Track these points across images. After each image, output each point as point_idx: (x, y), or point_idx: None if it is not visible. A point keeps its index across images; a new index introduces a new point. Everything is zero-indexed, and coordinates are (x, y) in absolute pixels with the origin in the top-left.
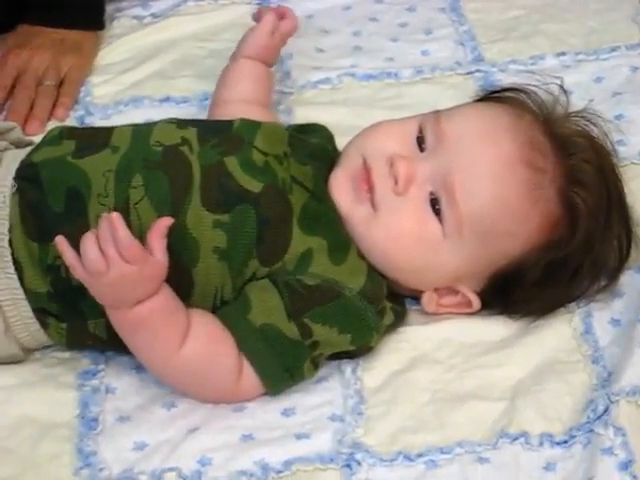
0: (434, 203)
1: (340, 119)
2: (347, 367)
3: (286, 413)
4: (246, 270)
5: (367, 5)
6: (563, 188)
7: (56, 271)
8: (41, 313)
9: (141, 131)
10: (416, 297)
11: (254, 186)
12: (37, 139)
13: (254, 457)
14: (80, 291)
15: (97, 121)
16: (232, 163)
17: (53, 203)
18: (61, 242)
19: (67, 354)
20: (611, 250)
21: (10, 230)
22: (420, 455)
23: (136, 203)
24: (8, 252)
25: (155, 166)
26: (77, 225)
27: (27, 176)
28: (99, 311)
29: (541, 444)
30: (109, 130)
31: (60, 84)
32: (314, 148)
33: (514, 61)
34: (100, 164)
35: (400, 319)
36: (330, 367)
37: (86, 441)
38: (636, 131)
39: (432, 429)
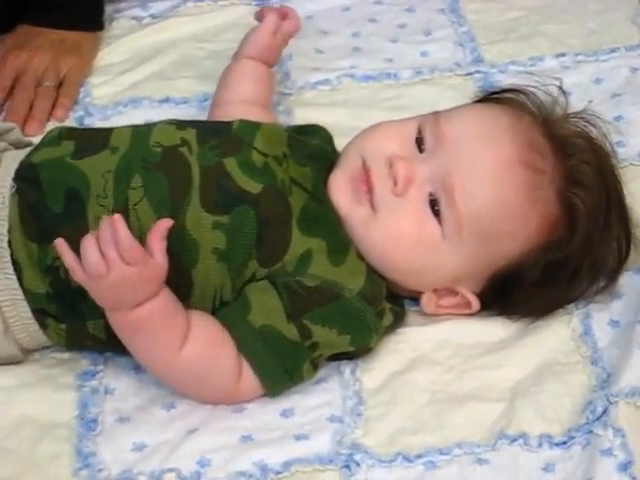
0: (433, 204)
1: (339, 120)
2: (346, 368)
3: (285, 414)
4: (245, 271)
5: (366, 6)
6: (562, 189)
7: (55, 272)
8: (40, 314)
9: (140, 132)
10: (415, 298)
11: (253, 187)
12: (36, 140)
13: (253, 458)
14: (79, 292)
15: (96, 122)
16: (231, 164)
17: (52, 204)
18: (61, 245)
19: (66, 355)
20: (610, 251)
21: (9, 231)
22: (419, 456)
23: (135, 204)
24: (7, 253)
25: (154, 167)
26: (76, 226)
27: (26, 177)
28: (98, 312)
29: (540, 445)
30: (108, 131)
31: (59, 85)
32: (313, 149)
33: (513, 62)
34: (99, 165)
35: (399, 320)
36: (329, 368)
37: (85, 442)
38: (635, 132)
39: (431, 430)
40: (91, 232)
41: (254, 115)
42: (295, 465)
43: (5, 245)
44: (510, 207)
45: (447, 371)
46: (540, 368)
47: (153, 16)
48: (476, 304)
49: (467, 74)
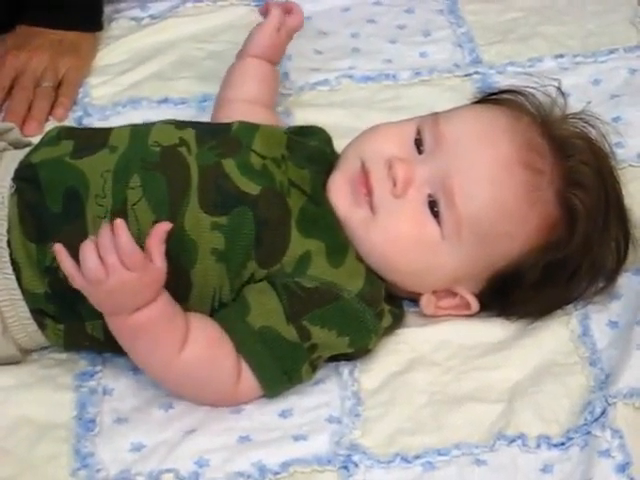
0: (432, 205)
1: (338, 121)
2: (344, 369)
3: (283, 415)
4: (244, 272)
5: (365, 7)
6: (561, 190)
7: (54, 272)
8: (39, 314)
9: (139, 131)
10: (414, 299)
11: (252, 188)
12: (36, 140)
13: (251, 458)
14: (78, 293)
15: (95, 122)
16: (230, 165)
17: (51, 204)
18: (60, 251)
19: (64, 355)
20: (609, 252)
21: (9, 231)
22: (417, 457)
23: (134, 204)
24: (6, 253)
25: (153, 167)
26: (75, 226)
27: (26, 177)
28: (96, 313)
29: (538, 446)
30: (107, 131)
31: (58, 85)
32: (312, 151)
33: (512, 63)
34: (98, 164)
35: (398, 321)
36: (328, 369)
37: (83, 442)
38: (634, 133)
39: (429, 431)
40: (90, 237)
41: (257, 115)
42: (293, 466)
43: (4, 245)
44: (509, 208)
45: (446, 372)
46: (539, 369)
47: (152, 17)
48: (475, 305)
49: (466, 75)
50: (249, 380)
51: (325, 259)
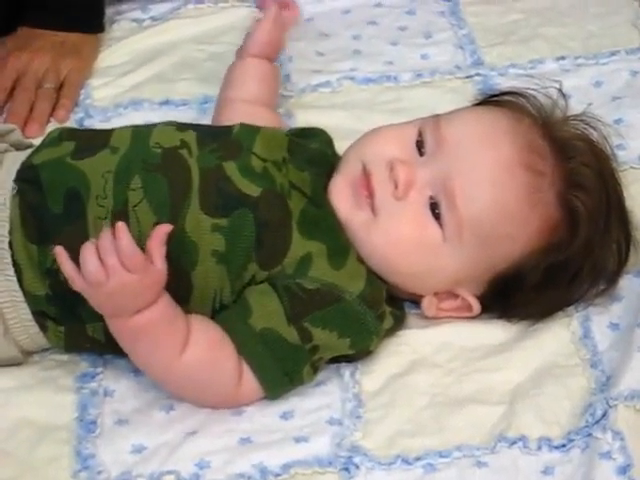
0: (434, 207)
1: (340, 123)
2: (346, 371)
3: (285, 416)
4: (245, 274)
5: (367, 9)
6: (562, 191)
7: (55, 274)
8: (40, 316)
9: (141, 132)
10: (416, 301)
11: (253, 190)
12: (37, 141)
13: (253, 460)
14: (78, 295)
15: (97, 124)
16: (231, 168)
17: (52, 205)
18: (60, 254)
19: (65, 357)
20: (610, 254)
21: (10, 232)
22: (418, 459)
23: (135, 205)
24: (8, 254)
25: (154, 168)
26: (75, 227)
27: (27, 178)
28: (97, 315)
29: (539, 448)
30: (109, 131)
31: (60, 87)
32: (313, 154)
33: (513, 65)
34: (99, 165)
35: (399, 323)
36: (329, 371)
37: (84, 444)
38: (635, 135)
39: (430, 433)
40: (90, 240)
41: (258, 115)
42: (294, 467)
43: (6, 246)
44: (510, 210)
45: (447, 374)
46: (540, 371)
47: (153, 18)
48: (477, 307)
49: (467, 77)
50: (250, 382)
51: (326, 261)
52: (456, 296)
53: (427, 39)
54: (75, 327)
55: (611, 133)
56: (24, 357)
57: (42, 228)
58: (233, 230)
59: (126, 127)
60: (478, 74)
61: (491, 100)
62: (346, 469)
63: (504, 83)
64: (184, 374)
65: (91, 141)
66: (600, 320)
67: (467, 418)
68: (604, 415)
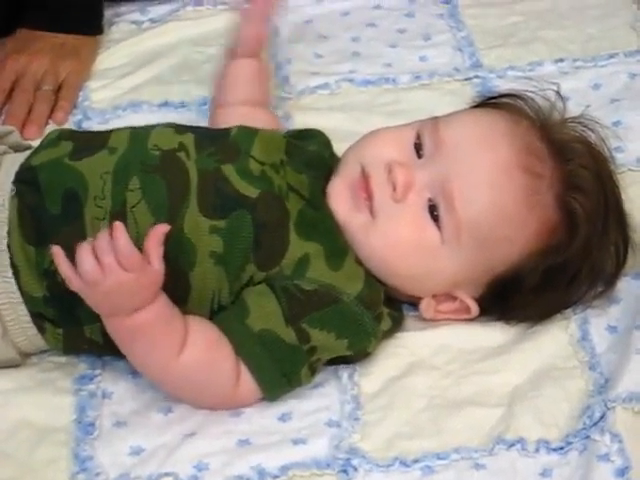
0: (432, 209)
1: (338, 124)
2: (344, 373)
3: (283, 418)
4: (243, 274)
5: (365, 11)
6: (561, 193)
7: (52, 276)
8: (38, 318)
9: (139, 134)
10: (414, 303)
11: (250, 192)
12: (36, 143)
13: (251, 462)
14: (76, 296)
15: (95, 126)
16: (229, 170)
17: (50, 206)
18: (57, 254)
19: (64, 359)
20: (608, 256)
21: (9, 233)
22: (416, 461)
23: (133, 206)
24: (7, 255)
25: (152, 170)
26: (73, 227)
27: (26, 179)
28: (95, 316)
29: (537, 450)
30: (107, 132)
31: (58, 89)
32: (311, 156)
33: (512, 67)
34: (97, 166)
35: (397, 325)
36: (327, 373)
37: (83, 446)
38: (634, 138)
39: (428, 435)
40: (87, 240)
41: (253, 116)
42: (293, 469)
43: (4, 248)
44: (509, 212)
45: (445, 376)
46: (538, 373)
47: (152, 20)
48: (475, 309)
49: (466, 79)
50: (248, 383)
51: (324, 262)
52: (454, 298)
53: (426, 41)
54: (73, 329)
55: (609, 135)
56: (22, 359)
57: (40, 229)
58: (231, 231)
59: (124, 128)
60: (477, 76)
61: (489, 102)
62: (344, 471)
63: (503, 85)
64: (182, 375)
65: (89, 142)
66: (598, 322)
67: (465, 420)
68: (602, 417)
